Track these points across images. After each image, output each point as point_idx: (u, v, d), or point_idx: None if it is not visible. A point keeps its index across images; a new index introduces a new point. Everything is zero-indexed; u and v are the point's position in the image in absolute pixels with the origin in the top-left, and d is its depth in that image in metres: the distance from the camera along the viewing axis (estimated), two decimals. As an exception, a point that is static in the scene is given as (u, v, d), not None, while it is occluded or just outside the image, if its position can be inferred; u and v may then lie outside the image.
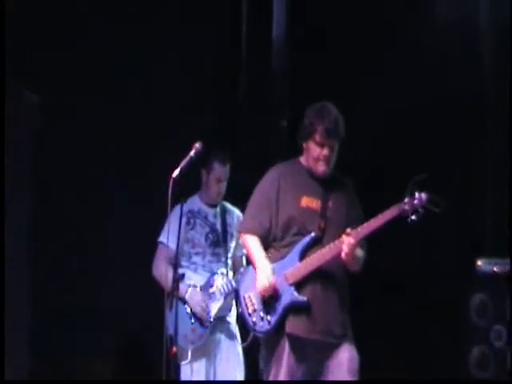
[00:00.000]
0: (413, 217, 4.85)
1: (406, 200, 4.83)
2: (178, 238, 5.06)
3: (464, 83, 7.28)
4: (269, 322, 4.90)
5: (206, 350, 5.89)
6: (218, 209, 6.16)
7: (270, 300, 4.92)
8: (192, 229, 5.99)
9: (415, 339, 7.20)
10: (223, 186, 6.11)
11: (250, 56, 7.77)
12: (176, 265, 5.20)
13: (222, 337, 6.02)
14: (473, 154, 7.48)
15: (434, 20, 7.58)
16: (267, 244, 5.02)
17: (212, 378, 5.91)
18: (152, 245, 6.07)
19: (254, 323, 4.96)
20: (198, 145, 4.99)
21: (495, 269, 7.13)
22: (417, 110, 7.36)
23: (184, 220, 5.81)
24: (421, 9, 7.56)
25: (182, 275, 5.28)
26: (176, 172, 4.88)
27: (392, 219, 4.87)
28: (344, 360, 4.93)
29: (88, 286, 6.99)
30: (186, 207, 5.64)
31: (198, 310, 5.81)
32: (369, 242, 5.08)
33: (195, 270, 5.95)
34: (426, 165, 6.15)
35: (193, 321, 5.83)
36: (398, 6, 7.50)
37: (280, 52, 7.76)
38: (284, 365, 4.88)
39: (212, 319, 5.85)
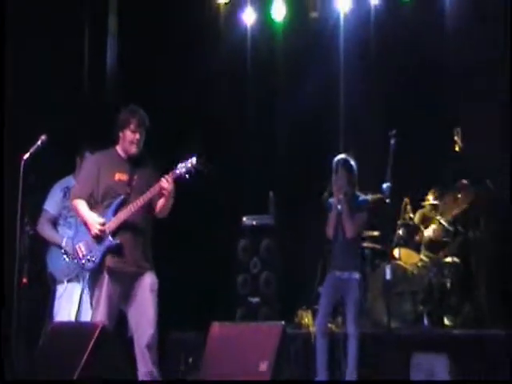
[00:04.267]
0: (187, 176, 4.90)
1: (182, 164, 4.94)
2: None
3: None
4: (93, 262, 4.94)
5: (76, 279, 5.78)
6: None
7: (93, 246, 4.94)
8: (67, 199, 5.78)
9: (199, 269, 7.24)
10: None
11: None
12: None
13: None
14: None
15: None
16: (90, 206, 5.06)
17: (79, 297, 5.77)
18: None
19: (83, 264, 4.98)
20: (43, 137, 5.14)
21: (254, 223, 7.49)
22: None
23: (61, 193, 5.86)
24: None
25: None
26: (26, 155, 5.00)
27: (179, 175, 4.93)
28: (147, 283, 5.00)
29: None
30: (64, 183, 5.86)
31: (70, 251, 5.45)
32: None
33: (69, 227, 5.84)
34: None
35: (67, 259, 5.63)
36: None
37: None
38: (104, 289, 4.91)
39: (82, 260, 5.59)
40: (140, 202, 4.96)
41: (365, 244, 7.19)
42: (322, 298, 6.02)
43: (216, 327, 4.41)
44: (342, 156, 5.97)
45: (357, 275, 5.88)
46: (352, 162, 5.95)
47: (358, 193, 6.03)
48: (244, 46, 8.11)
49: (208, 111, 7.53)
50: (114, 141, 5.14)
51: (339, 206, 5.88)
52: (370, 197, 6.16)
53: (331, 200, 6.00)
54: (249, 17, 8.25)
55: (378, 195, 6.23)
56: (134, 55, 7.30)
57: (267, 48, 8.09)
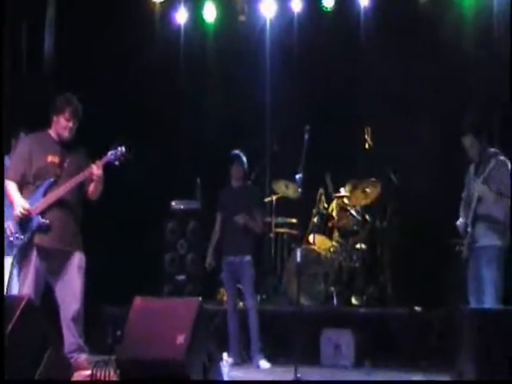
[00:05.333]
0: (116, 163, 4.90)
1: (112, 152, 4.92)
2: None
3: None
4: (21, 239, 4.83)
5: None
6: None
7: (23, 225, 4.83)
8: None
9: (130, 249, 7.12)
10: None
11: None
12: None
13: None
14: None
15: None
16: (22, 185, 4.93)
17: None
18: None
19: (12, 241, 4.86)
20: None
21: (182, 207, 7.46)
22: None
23: None
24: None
25: None
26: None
27: (108, 162, 4.91)
28: (75, 260, 4.93)
29: None
30: None
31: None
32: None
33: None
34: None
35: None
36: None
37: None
38: (32, 265, 4.82)
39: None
40: (70, 184, 4.89)
41: (282, 230, 7.27)
42: (224, 283, 6.23)
43: (138, 301, 4.33)
44: (236, 151, 6.14)
45: (248, 257, 6.02)
46: (244, 158, 6.12)
47: (249, 182, 6.30)
48: (177, 43, 8.03)
49: (141, 103, 7.43)
50: (49, 123, 5.02)
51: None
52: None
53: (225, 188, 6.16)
54: (182, 16, 8.15)
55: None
56: (72, 44, 7.13)
57: (199, 46, 8.04)
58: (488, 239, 4.99)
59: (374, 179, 7.06)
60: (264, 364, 5.91)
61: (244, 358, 6.06)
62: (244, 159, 6.13)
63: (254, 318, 5.95)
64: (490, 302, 4.85)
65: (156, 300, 4.56)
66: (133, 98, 7.37)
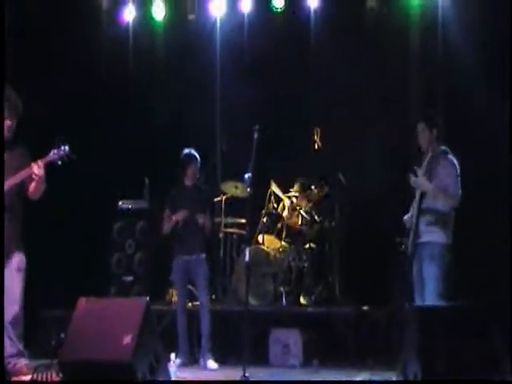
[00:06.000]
0: (59, 162, 4.81)
1: (55, 151, 4.82)
2: None
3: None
4: None
5: None
6: None
7: None
8: None
9: (75, 249, 7.02)
10: None
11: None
12: None
13: None
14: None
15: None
16: None
17: None
18: None
19: None
20: None
21: (130, 206, 7.36)
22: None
23: None
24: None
25: None
26: None
27: (51, 161, 4.81)
28: (15, 262, 4.85)
29: None
30: None
31: None
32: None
33: None
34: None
35: None
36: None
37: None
38: None
39: None
40: (9, 183, 4.76)
41: (231, 230, 7.27)
42: (176, 282, 6.17)
43: (83, 302, 4.27)
44: (191, 150, 6.11)
45: (203, 255, 6.05)
46: (198, 157, 6.12)
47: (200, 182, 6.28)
48: (125, 41, 7.93)
49: (88, 100, 7.32)
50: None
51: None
52: None
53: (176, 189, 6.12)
54: (130, 14, 8.04)
55: None
56: (16, 41, 6.91)
57: (148, 45, 7.96)
58: (430, 235, 5.06)
59: (322, 179, 7.12)
60: (212, 364, 5.89)
61: (192, 359, 6.02)
62: (199, 159, 6.12)
63: (206, 317, 5.93)
64: (430, 298, 4.91)
65: (101, 300, 4.51)
66: (80, 95, 7.25)
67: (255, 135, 5.18)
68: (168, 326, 6.26)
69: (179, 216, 5.98)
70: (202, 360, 5.94)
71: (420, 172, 5.04)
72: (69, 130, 5.17)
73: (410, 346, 3.95)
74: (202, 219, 5.95)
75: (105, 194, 7.23)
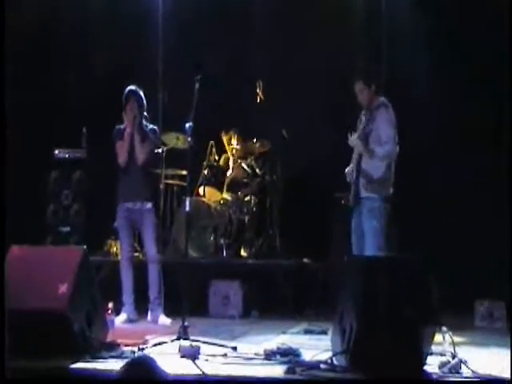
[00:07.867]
0: None
1: None
2: None
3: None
4: None
5: None
6: None
7: None
8: None
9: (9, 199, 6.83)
10: None
11: None
12: None
13: None
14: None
15: None
16: None
17: None
18: None
19: None
20: None
21: (66, 155, 7.14)
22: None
23: None
24: None
25: None
26: None
27: None
28: None
29: None
30: None
31: None
32: None
33: None
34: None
35: None
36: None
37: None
38: None
39: None
40: None
41: (171, 181, 7.19)
42: (119, 231, 5.85)
43: (15, 250, 4.14)
44: (132, 87, 5.75)
45: (149, 205, 5.75)
46: (141, 93, 5.75)
47: (145, 122, 5.83)
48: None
49: (24, 48, 7.03)
50: None
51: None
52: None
53: (118, 127, 5.80)
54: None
55: None
56: None
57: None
58: (369, 191, 5.13)
59: (264, 132, 7.10)
60: (164, 320, 5.61)
61: (138, 314, 5.76)
62: (142, 95, 5.73)
63: (155, 270, 5.66)
64: (370, 251, 5.01)
65: (35, 249, 4.39)
66: (16, 44, 6.91)
67: (196, 85, 5.04)
68: (106, 277, 6.15)
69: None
70: (150, 315, 5.69)
71: (355, 135, 5.07)
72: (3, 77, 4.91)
73: (347, 297, 4.00)
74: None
75: (39, 142, 7.00)
